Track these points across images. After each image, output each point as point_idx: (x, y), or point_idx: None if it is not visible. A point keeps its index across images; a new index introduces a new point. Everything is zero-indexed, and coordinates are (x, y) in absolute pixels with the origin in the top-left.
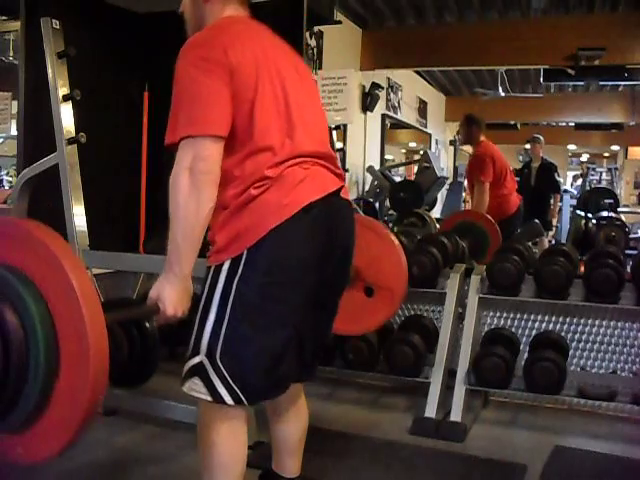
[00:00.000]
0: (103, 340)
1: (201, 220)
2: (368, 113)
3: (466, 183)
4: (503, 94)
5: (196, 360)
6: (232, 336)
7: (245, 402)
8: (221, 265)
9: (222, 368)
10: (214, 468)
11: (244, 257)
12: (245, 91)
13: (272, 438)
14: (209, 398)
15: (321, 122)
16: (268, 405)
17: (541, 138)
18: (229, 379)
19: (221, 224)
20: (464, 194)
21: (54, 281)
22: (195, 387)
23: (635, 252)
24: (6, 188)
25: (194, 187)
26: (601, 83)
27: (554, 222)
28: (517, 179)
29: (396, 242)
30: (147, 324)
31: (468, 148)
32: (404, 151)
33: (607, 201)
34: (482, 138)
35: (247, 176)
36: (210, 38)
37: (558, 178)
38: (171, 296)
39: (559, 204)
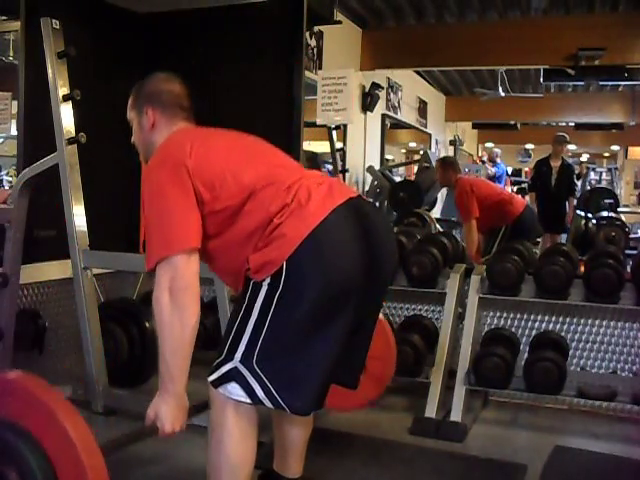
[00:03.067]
0: None
1: (187, 336)
2: (368, 113)
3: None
4: (503, 94)
5: (229, 366)
6: (275, 344)
7: (287, 409)
8: (260, 284)
9: (260, 373)
10: (222, 467)
11: (284, 271)
12: (213, 180)
13: (277, 438)
14: (248, 400)
15: (279, 156)
16: None
17: (567, 138)
18: (267, 383)
19: (256, 252)
20: None
21: (55, 437)
22: (234, 390)
23: (635, 252)
24: (6, 188)
25: (176, 306)
26: (601, 83)
27: None
28: (529, 177)
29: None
30: (147, 324)
31: (468, 148)
32: (404, 151)
33: (607, 201)
34: (458, 176)
35: (261, 223)
36: (166, 155)
37: (576, 181)
38: (167, 415)
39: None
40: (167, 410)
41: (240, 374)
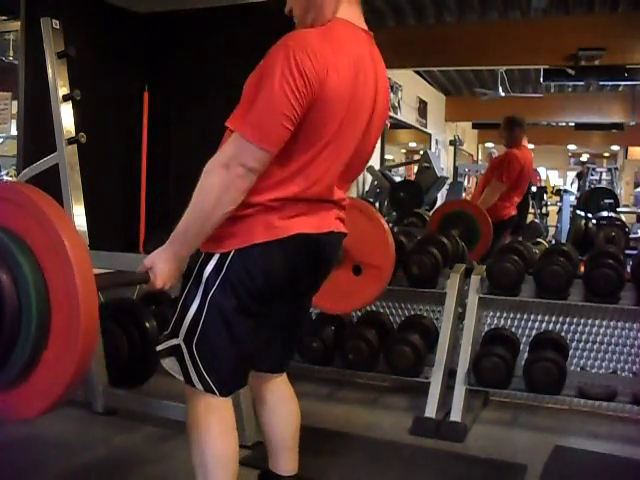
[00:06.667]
0: (93, 319)
1: (216, 215)
2: None
3: (480, 177)
4: (503, 94)
5: (174, 342)
6: (208, 329)
7: (217, 393)
8: (211, 255)
9: (196, 356)
10: (208, 463)
11: (229, 258)
12: (314, 128)
13: (265, 437)
14: (182, 378)
15: (359, 167)
16: (256, 401)
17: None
18: (201, 367)
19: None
20: (464, 194)
21: (53, 253)
22: (173, 366)
23: (635, 252)
24: None
25: (224, 184)
26: (601, 83)
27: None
28: None
29: (383, 221)
30: (147, 324)
31: (468, 148)
32: (404, 151)
33: (607, 201)
34: (524, 142)
35: (263, 190)
36: (320, 51)
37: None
38: (163, 270)
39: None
40: (165, 265)
41: (180, 351)
